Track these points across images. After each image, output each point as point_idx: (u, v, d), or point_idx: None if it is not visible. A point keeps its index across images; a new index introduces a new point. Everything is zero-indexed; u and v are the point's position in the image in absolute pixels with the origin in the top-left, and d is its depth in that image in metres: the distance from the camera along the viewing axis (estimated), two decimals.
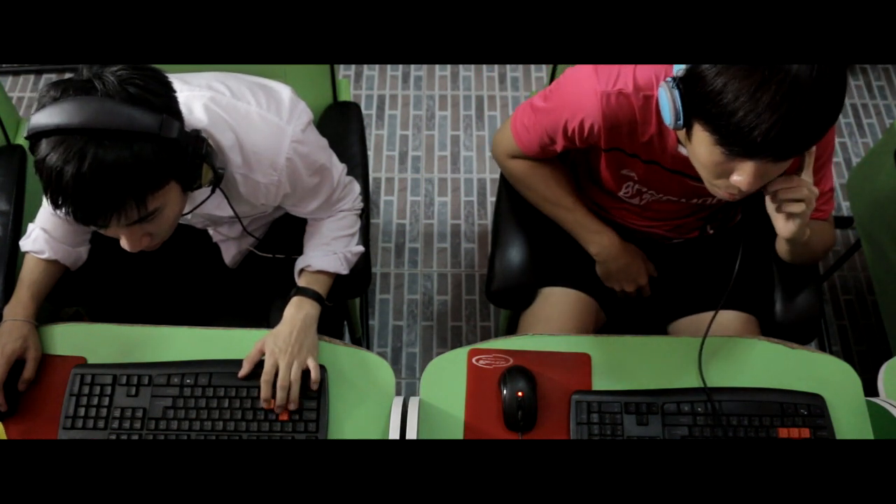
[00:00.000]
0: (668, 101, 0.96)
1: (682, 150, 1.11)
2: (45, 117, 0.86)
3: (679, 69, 0.96)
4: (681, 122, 0.96)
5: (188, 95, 1.06)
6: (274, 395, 1.09)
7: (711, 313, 1.25)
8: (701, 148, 0.96)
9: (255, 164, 1.09)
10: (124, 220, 0.91)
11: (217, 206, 1.15)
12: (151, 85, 0.91)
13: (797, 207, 1.03)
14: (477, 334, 2.03)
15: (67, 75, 0.93)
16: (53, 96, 0.88)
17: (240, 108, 1.08)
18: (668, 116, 0.97)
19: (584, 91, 1.11)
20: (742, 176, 0.95)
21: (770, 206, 1.07)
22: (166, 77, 0.95)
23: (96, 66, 0.90)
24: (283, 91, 1.14)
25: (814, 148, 1.03)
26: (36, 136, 0.87)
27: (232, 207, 1.15)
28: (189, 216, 1.17)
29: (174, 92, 0.96)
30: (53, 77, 0.85)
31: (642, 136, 1.12)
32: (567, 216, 1.32)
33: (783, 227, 1.07)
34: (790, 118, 0.86)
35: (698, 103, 0.92)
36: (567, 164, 1.38)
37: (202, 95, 1.07)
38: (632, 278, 1.35)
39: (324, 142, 1.22)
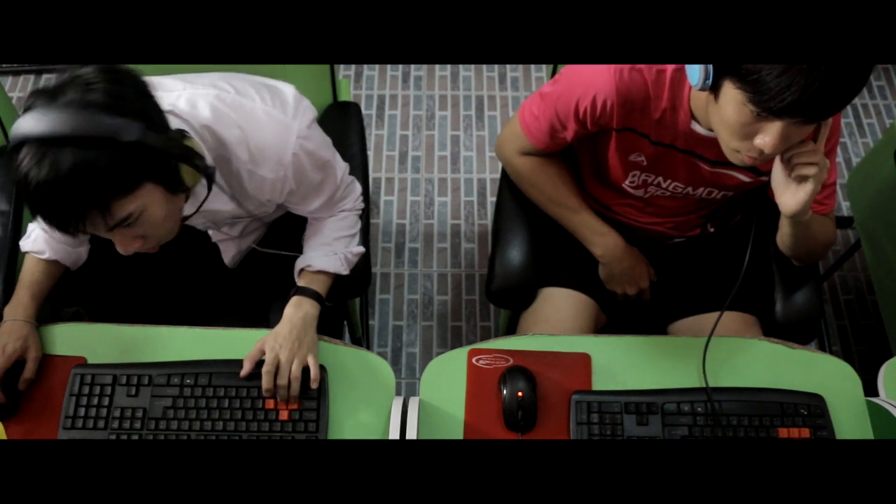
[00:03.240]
0: None
1: (696, 127, 1.11)
2: (17, 128, 0.87)
3: None
4: (710, 81, 0.95)
5: (192, 93, 1.06)
6: (275, 391, 1.09)
7: (711, 314, 1.25)
8: (729, 107, 0.95)
9: (261, 160, 1.09)
10: (92, 228, 0.91)
11: (224, 202, 1.15)
12: (116, 89, 0.89)
13: (810, 170, 1.01)
14: (477, 334, 2.03)
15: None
16: (26, 106, 0.88)
17: (245, 104, 1.09)
18: (695, 77, 0.97)
19: (596, 68, 1.11)
20: (767, 137, 0.94)
21: (778, 177, 1.06)
22: (140, 79, 0.94)
23: (69, 72, 0.90)
24: (287, 89, 1.15)
25: (830, 119, 1.02)
26: (14, 149, 0.88)
27: (236, 200, 1.14)
28: (195, 216, 1.17)
29: (148, 96, 0.94)
30: (53, 77, 0.86)
31: (654, 113, 1.12)
32: (572, 217, 1.32)
33: (791, 198, 1.05)
34: (828, 78, 0.86)
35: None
36: (570, 163, 1.38)
37: (207, 93, 1.07)
38: (634, 281, 1.34)
39: (328, 139, 1.22)
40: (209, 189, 1.05)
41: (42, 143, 0.85)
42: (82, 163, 0.86)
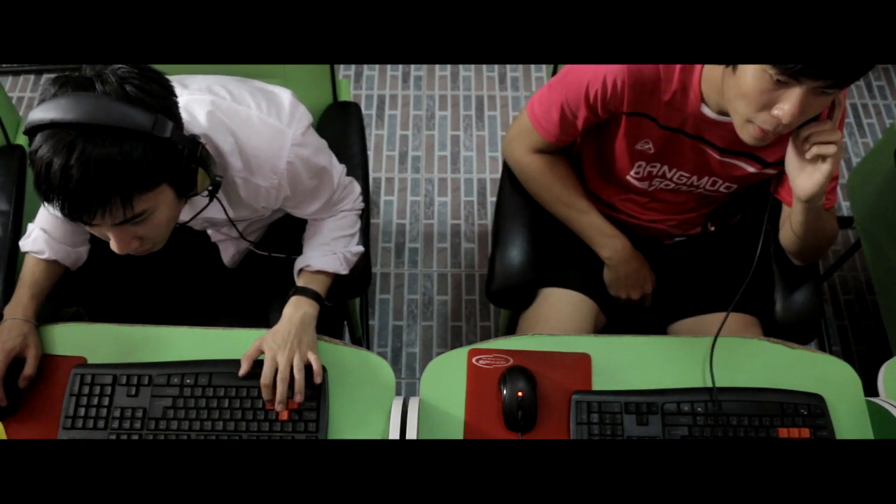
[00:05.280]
0: None
1: (705, 111, 1.11)
2: (41, 112, 0.87)
3: None
4: None
5: (188, 99, 1.06)
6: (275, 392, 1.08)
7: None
8: (747, 74, 0.95)
9: (255, 168, 1.09)
10: (109, 218, 0.91)
11: (219, 210, 1.15)
12: (150, 86, 0.91)
13: (829, 149, 1.00)
14: (477, 334, 2.03)
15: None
16: (52, 92, 0.88)
17: (240, 111, 1.09)
18: None
19: None
20: (786, 105, 0.94)
21: (793, 160, 1.05)
22: (168, 81, 0.96)
23: (99, 65, 0.90)
24: (284, 95, 1.15)
25: (845, 102, 1.02)
26: (31, 131, 0.88)
27: (227, 216, 1.15)
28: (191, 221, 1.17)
29: (175, 96, 0.96)
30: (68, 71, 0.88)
31: (664, 94, 1.12)
32: (581, 218, 1.32)
33: (807, 180, 1.04)
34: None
35: None
36: (571, 160, 1.37)
37: (202, 100, 1.07)
38: (639, 284, 1.34)
39: (323, 144, 1.22)
40: (210, 199, 1.05)
41: (71, 129, 0.86)
42: (118, 153, 0.87)
